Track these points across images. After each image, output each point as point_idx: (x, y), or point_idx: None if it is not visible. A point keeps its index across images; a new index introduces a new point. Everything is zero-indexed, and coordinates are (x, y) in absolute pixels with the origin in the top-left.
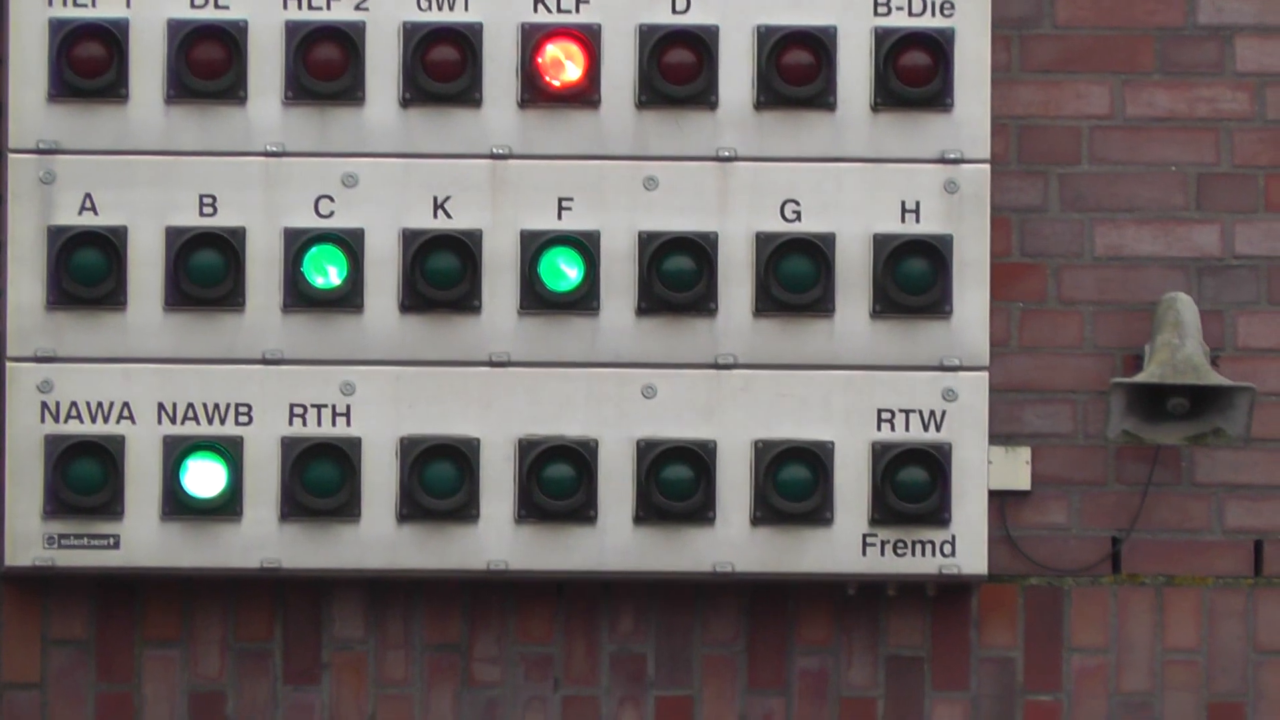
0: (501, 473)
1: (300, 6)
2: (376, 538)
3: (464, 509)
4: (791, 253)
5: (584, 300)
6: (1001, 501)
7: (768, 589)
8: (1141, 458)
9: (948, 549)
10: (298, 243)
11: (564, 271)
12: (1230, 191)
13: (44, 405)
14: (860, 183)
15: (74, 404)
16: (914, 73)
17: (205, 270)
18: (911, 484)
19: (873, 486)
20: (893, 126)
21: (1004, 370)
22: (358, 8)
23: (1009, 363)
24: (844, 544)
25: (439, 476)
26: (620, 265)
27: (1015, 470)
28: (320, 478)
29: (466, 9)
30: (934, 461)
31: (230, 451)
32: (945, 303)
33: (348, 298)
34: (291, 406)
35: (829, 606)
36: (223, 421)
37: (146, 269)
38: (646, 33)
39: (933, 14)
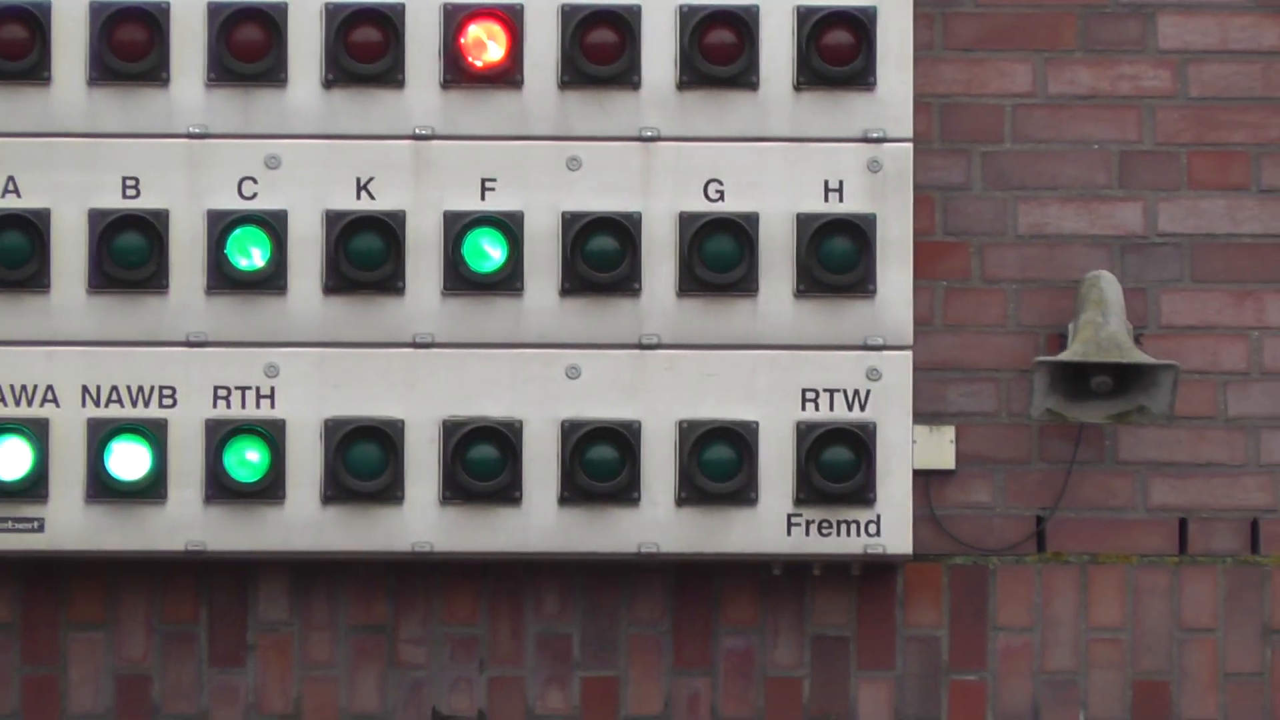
0: (426, 454)
1: None
2: (301, 520)
3: (388, 490)
4: (715, 232)
5: (507, 281)
6: (926, 481)
7: (693, 569)
8: (1065, 436)
9: (872, 529)
10: (221, 224)
11: (487, 252)
12: (1153, 169)
13: None
14: (783, 162)
15: None
16: (836, 52)
17: (128, 252)
18: (836, 464)
19: (797, 466)
20: (815, 105)
21: (928, 349)
22: None
23: (933, 342)
24: (769, 524)
25: (363, 458)
26: (544, 246)
27: (940, 449)
28: (245, 460)
29: None
30: (858, 441)
31: (154, 434)
32: (869, 282)
33: (271, 279)
34: (215, 389)
35: (754, 586)
36: (147, 404)
37: (70, 251)
38: (569, 12)
39: None
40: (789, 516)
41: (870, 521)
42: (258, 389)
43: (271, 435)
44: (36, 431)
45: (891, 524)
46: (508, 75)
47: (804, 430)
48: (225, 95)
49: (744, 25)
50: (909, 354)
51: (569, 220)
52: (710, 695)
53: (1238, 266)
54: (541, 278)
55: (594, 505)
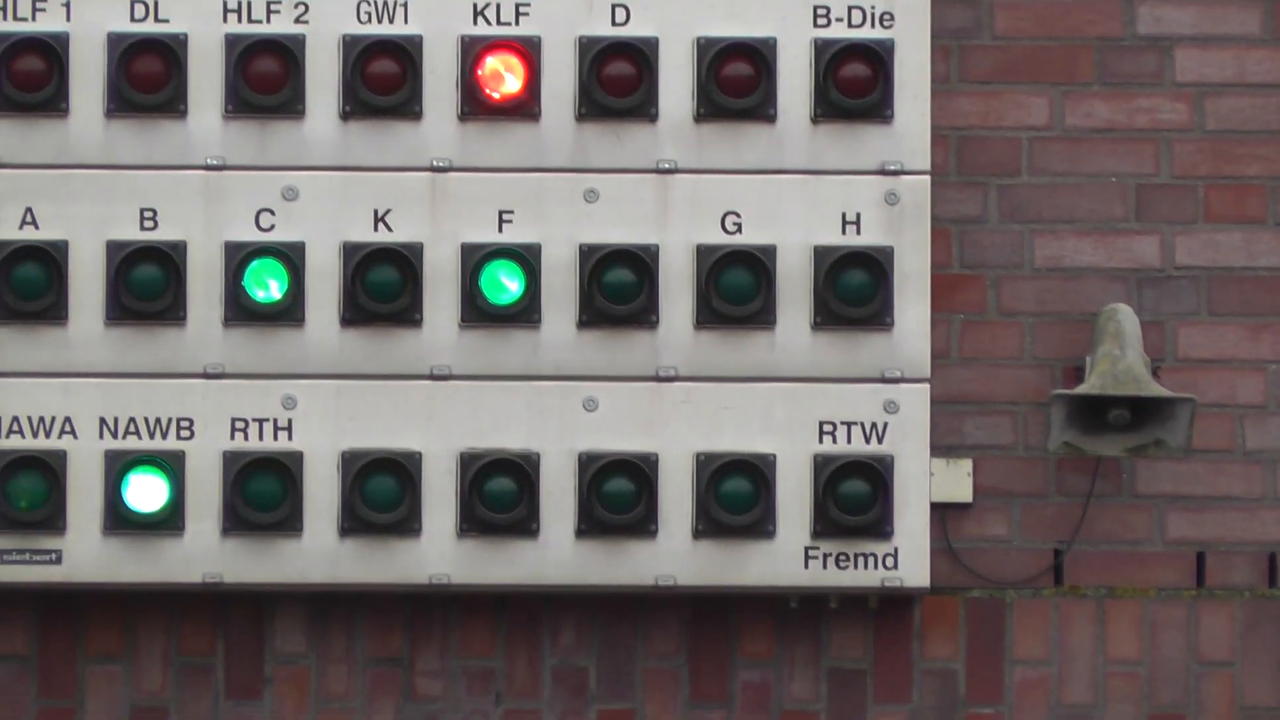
0: (443, 486)
1: (240, 19)
2: (318, 552)
3: (406, 523)
4: (732, 265)
5: (525, 313)
6: (943, 514)
7: (710, 602)
8: (1083, 469)
9: (890, 561)
10: (238, 256)
11: (505, 284)
12: (1170, 202)
13: None
14: (800, 195)
15: (15, 419)
16: (854, 84)
17: (146, 284)
18: (853, 496)
19: (814, 499)
20: (833, 138)
21: (945, 382)
22: (298, 20)
23: (950, 374)
24: (786, 557)
25: (380, 490)
26: (561, 278)
27: (957, 482)
28: (262, 492)
29: (406, 21)
30: (876, 474)
31: (172, 466)
32: (886, 314)
33: (289, 311)
34: (233, 420)
35: (771, 619)
36: (164, 436)
37: (87, 283)
38: (586, 44)
39: (872, 25)
40: (806, 549)
41: (887, 554)
42: (275, 421)
43: (289, 467)
44: (54, 463)
45: (909, 557)
46: (525, 107)
47: (821, 463)
48: (242, 127)
49: (761, 58)
50: (926, 387)
51: (586, 252)
52: None
53: (1255, 300)
54: (559, 310)
55: (611, 538)
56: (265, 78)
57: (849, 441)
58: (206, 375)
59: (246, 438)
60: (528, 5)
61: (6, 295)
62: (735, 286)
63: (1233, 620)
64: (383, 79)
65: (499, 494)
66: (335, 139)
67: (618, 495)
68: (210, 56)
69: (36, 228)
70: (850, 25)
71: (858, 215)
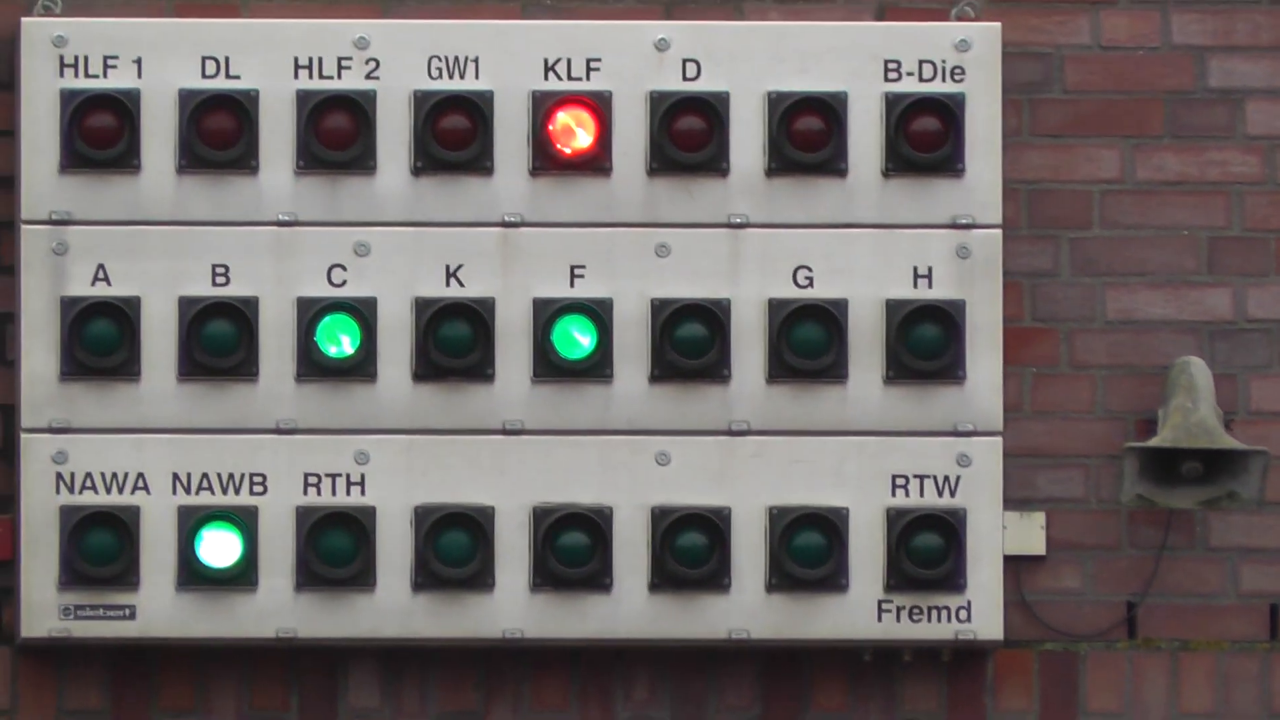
0: (516, 541)
1: (311, 75)
2: (391, 606)
3: (479, 577)
4: (804, 319)
5: (597, 367)
6: (1016, 566)
7: (783, 655)
8: (1155, 522)
9: (963, 614)
10: (310, 312)
11: (576, 339)
12: (1241, 255)
13: (59, 476)
14: (872, 248)
15: (88, 475)
16: (925, 138)
17: (218, 340)
18: (926, 549)
19: (887, 552)
20: (904, 192)
21: (1017, 435)
22: (369, 76)
23: (1022, 427)
24: (859, 610)
25: (453, 545)
26: (633, 332)
27: (1030, 535)
28: (335, 547)
29: (477, 77)
30: (948, 527)
31: (245, 521)
32: (958, 368)
33: (361, 366)
34: (306, 476)
35: (844, 673)
36: (237, 491)
37: (159, 339)
38: (657, 99)
39: (943, 79)
40: (879, 602)
41: (960, 607)
42: (348, 476)
43: (362, 522)
44: (127, 519)
45: (982, 610)
46: (596, 162)
47: (894, 516)
48: (314, 183)
49: (832, 112)
50: (999, 440)
51: (658, 307)
52: None
53: None
54: (631, 364)
55: (684, 591)
56: (336, 134)
57: (921, 495)
58: (279, 431)
59: (319, 493)
60: (599, 60)
61: (79, 352)
62: (807, 340)
63: None
64: (454, 134)
65: (572, 548)
66: (406, 194)
67: (690, 549)
68: (281, 113)
69: (109, 284)
70: (921, 79)
71: (929, 269)
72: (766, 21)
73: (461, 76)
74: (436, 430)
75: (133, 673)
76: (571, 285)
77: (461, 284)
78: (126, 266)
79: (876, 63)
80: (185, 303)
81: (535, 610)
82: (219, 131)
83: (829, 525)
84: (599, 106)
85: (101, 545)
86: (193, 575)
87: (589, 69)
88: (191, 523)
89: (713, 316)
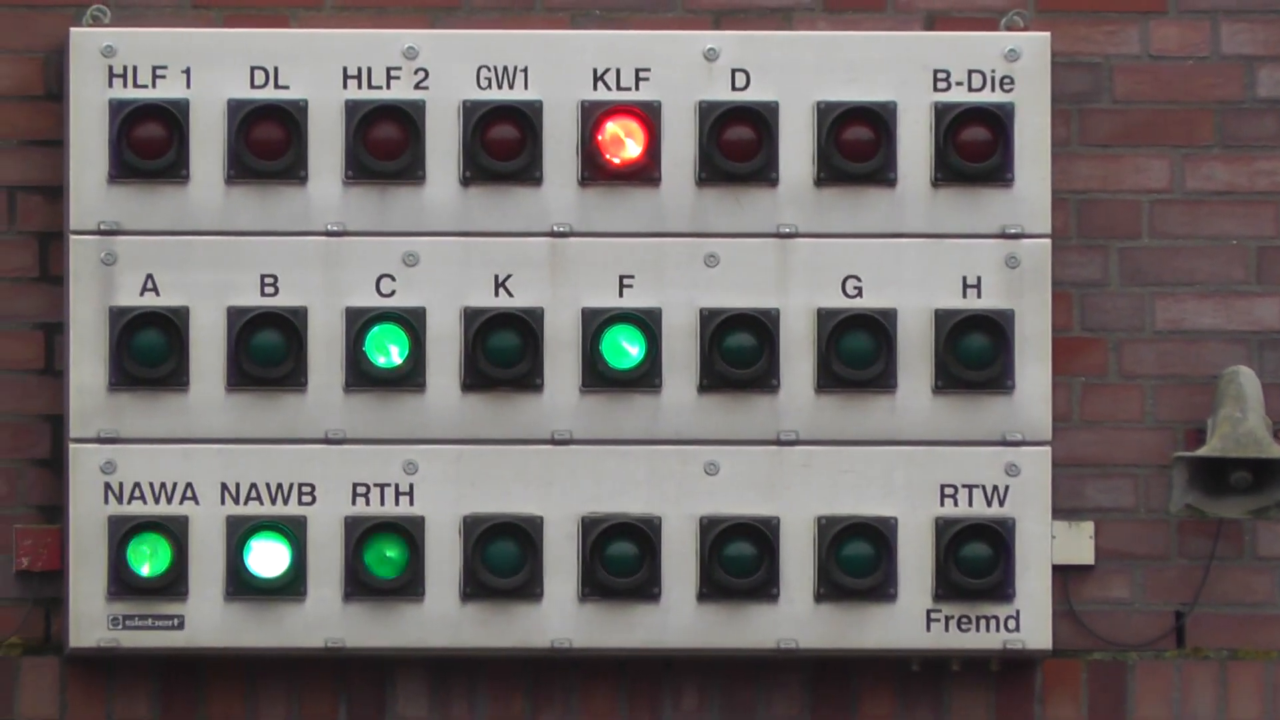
0: (564, 551)
1: (360, 85)
2: (440, 617)
3: (527, 587)
4: (853, 329)
5: (645, 378)
6: (1064, 576)
7: (831, 665)
8: (1204, 532)
9: (1011, 624)
10: (359, 322)
11: (625, 349)
12: None
13: (107, 486)
14: (921, 258)
15: (137, 485)
16: (974, 148)
17: (267, 350)
18: (974, 559)
19: (936, 562)
20: (953, 202)
21: (1066, 445)
22: (418, 86)
23: (1071, 437)
24: (907, 620)
25: (502, 555)
26: (681, 342)
27: (1078, 545)
28: (384, 557)
29: (526, 87)
30: (997, 537)
31: (293, 531)
32: (1007, 378)
33: (409, 376)
34: (354, 486)
35: (892, 683)
36: (286, 501)
37: (208, 349)
38: (706, 109)
39: (992, 89)
40: (928, 612)
41: (1009, 617)
42: (396, 486)
43: (410, 532)
44: (176, 529)
45: (1031, 619)
46: (645, 172)
47: (943, 526)
48: (363, 193)
49: (881, 122)
50: (1048, 450)
51: (707, 317)
52: None
53: None
54: (679, 374)
55: (732, 601)
56: (385, 144)
57: (970, 504)
58: (327, 441)
59: (368, 503)
60: (648, 70)
61: (128, 362)
62: (856, 350)
63: None
64: (503, 144)
65: (620, 558)
66: (455, 204)
67: (739, 559)
68: (330, 123)
69: (157, 294)
70: (970, 89)
71: (978, 278)
72: (816, 31)
73: (511, 86)
74: (485, 440)
75: (181, 683)
76: (620, 295)
77: (510, 294)
78: (175, 277)
79: (926, 72)
80: (234, 313)
81: (583, 620)
82: (268, 141)
83: (878, 535)
84: (648, 116)
85: (151, 555)
86: (241, 585)
87: (638, 79)
88: (240, 533)
89: (761, 326)
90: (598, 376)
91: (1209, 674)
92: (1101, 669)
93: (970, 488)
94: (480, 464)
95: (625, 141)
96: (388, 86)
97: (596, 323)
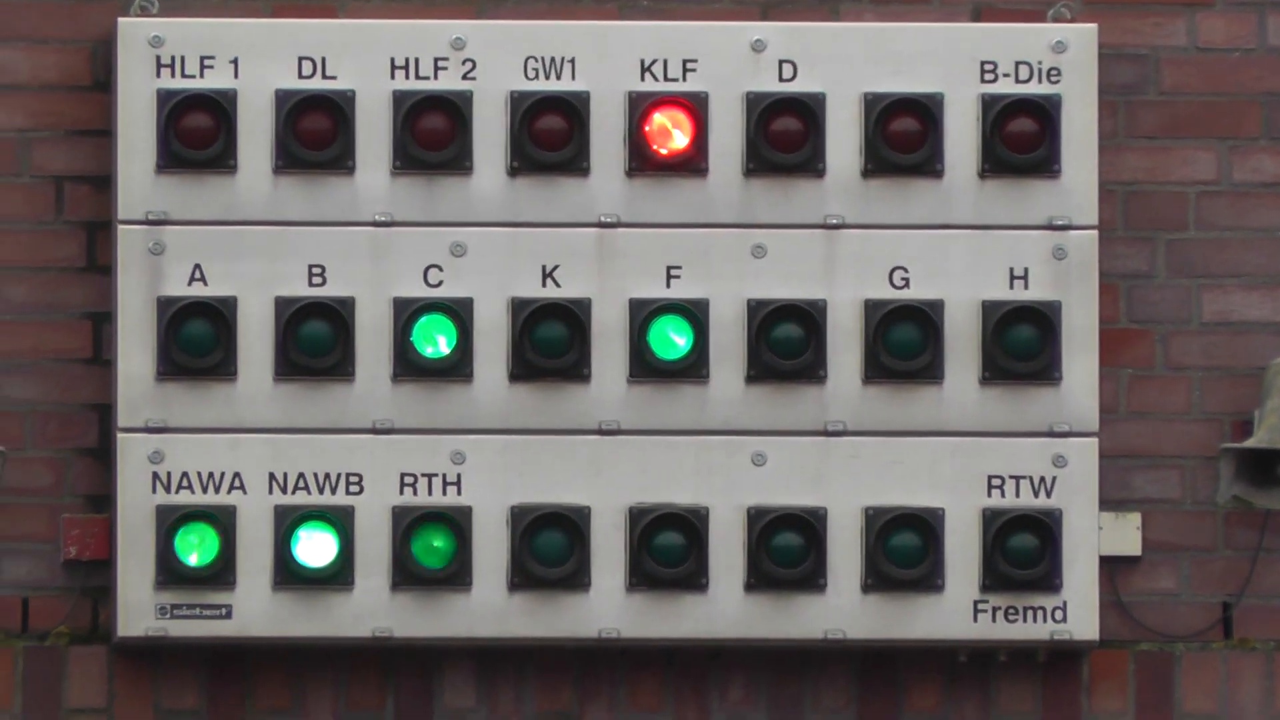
0: (612, 541)
1: (408, 76)
2: (487, 606)
3: (574, 577)
4: (900, 320)
5: (693, 368)
6: (1111, 567)
7: (878, 656)
8: (1251, 523)
9: (1059, 615)
10: (407, 312)
11: (673, 340)
12: None
13: (155, 476)
14: (968, 249)
15: (185, 474)
16: (1021, 139)
17: (314, 340)
18: (1022, 550)
19: (983, 553)
20: (1000, 193)
21: (1113, 436)
22: (465, 77)
23: (1118, 429)
24: (955, 611)
25: (549, 545)
26: (729, 333)
27: (1125, 536)
28: (431, 547)
29: (574, 78)
30: (1044, 528)
31: (341, 521)
32: (1054, 369)
33: (457, 367)
34: (402, 476)
35: (939, 673)
36: (333, 491)
37: (256, 339)
38: (753, 100)
39: (1039, 80)
40: (975, 603)
41: (1056, 608)
42: (444, 476)
43: (458, 522)
44: (224, 519)
45: (1077, 610)
46: (692, 163)
47: (990, 517)
48: (410, 183)
49: (928, 113)
50: (1095, 441)
51: (754, 308)
52: None
53: None
54: (726, 365)
55: (780, 592)
56: (433, 134)
57: (1017, 495)
58: (375, 431)
59: (415, 493)
60: (695, 61)
61: (176, 352)
62: (903, 341)
63: None
64: (550, 135)
65: (668, 548)
66: (503, 195)
67: (786, 549)
68: (378, 113)
69: (205, 284)
70: (1017, 81)
71: (1025, 270)
72: (862, 23)
73: (558, 77)
74: (532, 430)
75: (229, 672)
76: (668, 286)
77: (558, 284)
78: (223, 266)
79: (973, 64)
80: (282, 303)
81: (631, 610)
82: (315, 132)
83: (925, 526)
84: (695, 107)
85: (200, 544)
86: (289, 575)
87: (685, 70)
88: (288, 522)
89: (809, 317)
90: (645, 367)
91: (1256, 665)
92: (1148, 660)
93: (1017, 479)
94: (528, 454)
95: (673, 132)
96: (435, 77)
97: (644, 313)
